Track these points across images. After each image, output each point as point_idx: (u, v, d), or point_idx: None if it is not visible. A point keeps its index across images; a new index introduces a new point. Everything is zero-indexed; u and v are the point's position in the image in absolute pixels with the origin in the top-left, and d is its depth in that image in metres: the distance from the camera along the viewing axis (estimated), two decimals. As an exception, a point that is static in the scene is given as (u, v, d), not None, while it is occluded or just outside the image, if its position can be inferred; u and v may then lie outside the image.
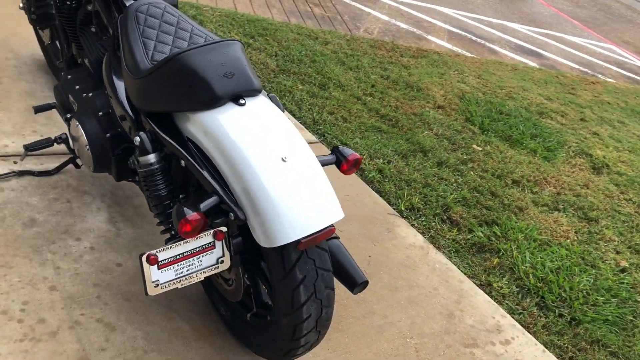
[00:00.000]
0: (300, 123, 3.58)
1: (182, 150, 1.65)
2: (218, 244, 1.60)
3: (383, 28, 6.80)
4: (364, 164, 3.39)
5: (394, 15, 7.52)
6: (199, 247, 1.57)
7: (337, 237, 2.00)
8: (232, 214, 1.55)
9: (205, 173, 1.61)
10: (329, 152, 2.12)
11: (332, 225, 1.59)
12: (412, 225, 3.05)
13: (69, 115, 2.23)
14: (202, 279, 1.62)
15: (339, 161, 1.78)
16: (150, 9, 1.92)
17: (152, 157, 1.74)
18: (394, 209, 3.11)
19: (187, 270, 1.58)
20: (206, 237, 1.57)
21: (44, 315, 1.93)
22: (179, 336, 2.03)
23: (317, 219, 1.54)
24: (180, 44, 1.84)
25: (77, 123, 2.12)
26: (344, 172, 1.79)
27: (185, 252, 1.55)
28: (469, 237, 3.08)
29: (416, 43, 6.43)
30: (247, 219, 1.54)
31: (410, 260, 2.75)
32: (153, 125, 1.74)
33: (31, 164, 2.55)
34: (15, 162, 2.53)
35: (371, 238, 2.81)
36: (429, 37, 7.06)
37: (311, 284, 1.63)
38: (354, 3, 7.46)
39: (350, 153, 1.78)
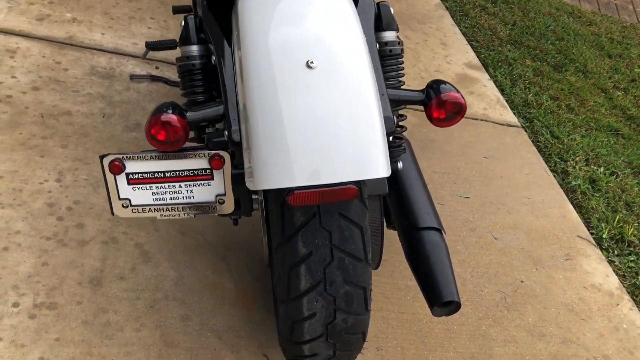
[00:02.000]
0: (506, 101, 2.84)
1: (216, 44, 1.22)
2: (217, 174, 1.13)
3: (689, 28, 5.35)
4: (571, 166, 2.53)
5: None
6: (189, 170, 1.12)
7: (440, 230, 1.39)
8: (226, 132, 1.06)
9: (225, 75, 1.15)
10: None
11: (353, 183, 0.99)
12: (610, 261, 2.14)
13: None
14: (194, 216, 1.18)
15: (428, 100, 1.15)
16: None
17: (194, 49, 1.34)
18: (590, 232, 2.23)
19: (170, 199, 1.15)
20: (198, 159, 1.11)
21: (86, 221, 1.70)
22: (215, 293, 1.62)
23: (329, 167, 0.96)
24: None
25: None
26: (434, 121, 1.15)
27: (167, 172, 1.12)
28: (699, 303, 2.05)
29: None
30: (242, 144, 1.04)
31: (582, 306, 1.90)
32: (207, 9, 1.32)
33: (171, 73, 2.38)
34: (157, 68, 2.38)
35: (536, 259, 2.03)
36: None
37: (320, 267, 1.07)
38: (658, -6, 6.05)
39: (448, 90, 1.13)
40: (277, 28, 1.06)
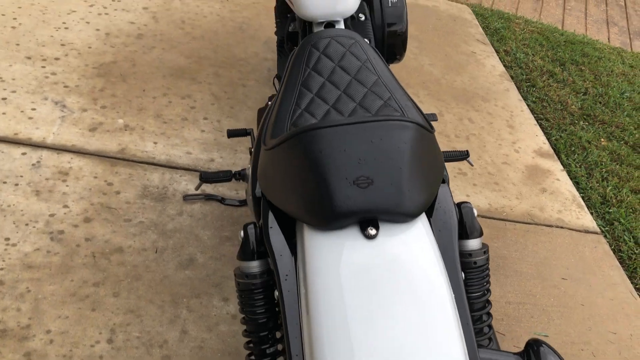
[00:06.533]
0: (582, 198, 2.62)
1: (278, 270, 1.08)
2: None
3: None
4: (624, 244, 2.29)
5: None
6: None
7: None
8: None
9: (287, 313, 1.02)
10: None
11: None
12: None
13: (251, 149, 1.84)
14: None
15: None
16: (331, 45, 1.35)
17: (254, 266, 1.20)
18: (687, 375, 2.00)
19: None
20: None
21: (138, 394, 1.60)
22: None
23: None
24: (343, 107, 1.23)
25: (249, 166, 1.71)
26: None
27: None
28: None
29: None
30: None
31: None
32: (268, 219, 1.19)
33: (225, 188, 2.27)
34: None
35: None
36: None
37: None
38: None
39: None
40: (350, 297, 0.91)
